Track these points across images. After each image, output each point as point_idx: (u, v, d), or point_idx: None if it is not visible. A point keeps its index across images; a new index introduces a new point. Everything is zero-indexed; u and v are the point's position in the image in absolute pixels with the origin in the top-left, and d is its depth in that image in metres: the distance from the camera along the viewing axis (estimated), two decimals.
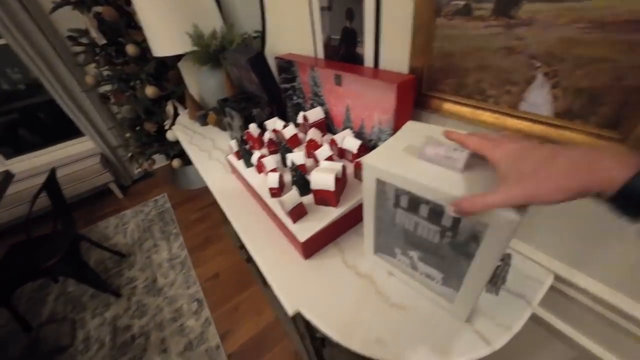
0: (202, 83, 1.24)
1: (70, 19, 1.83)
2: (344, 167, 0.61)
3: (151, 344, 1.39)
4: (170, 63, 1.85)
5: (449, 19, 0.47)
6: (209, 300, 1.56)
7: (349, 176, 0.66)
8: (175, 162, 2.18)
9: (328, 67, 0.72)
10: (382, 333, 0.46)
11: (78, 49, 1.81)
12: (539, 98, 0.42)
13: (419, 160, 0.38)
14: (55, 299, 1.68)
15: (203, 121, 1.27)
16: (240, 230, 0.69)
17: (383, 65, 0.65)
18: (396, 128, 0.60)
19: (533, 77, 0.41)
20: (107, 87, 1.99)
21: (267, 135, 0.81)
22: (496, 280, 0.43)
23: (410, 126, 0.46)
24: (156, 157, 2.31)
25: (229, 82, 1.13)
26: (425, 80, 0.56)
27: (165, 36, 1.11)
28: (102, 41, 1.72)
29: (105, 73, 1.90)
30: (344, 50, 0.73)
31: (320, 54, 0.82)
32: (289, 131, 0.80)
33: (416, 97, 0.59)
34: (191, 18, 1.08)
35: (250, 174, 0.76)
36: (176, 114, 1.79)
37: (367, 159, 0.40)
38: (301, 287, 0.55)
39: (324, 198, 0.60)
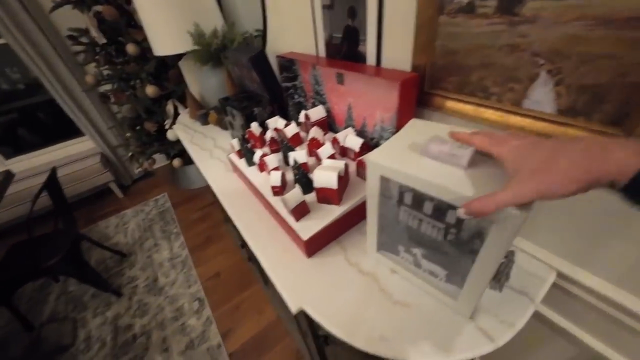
0: (203, 82, 1.24)
1: (70, 18, 1.83)
2: (346, 165, 0.61)
3: (152, 343, 1.39)
4: (170, 62, 1.85)
5: (452, 16, 0.47)
6: (210, 299, 1.56)
7: (351, 174, 0.67)
8: (176, 162, 2.18)
9: (330, 66, 0.72)
10: (386, 330, 0.46)
11: (78, 48, 1.80)
12: (542, 95, 0.42)
13: (423, 157, 0.38)
14: (57, 298, 1.68)
15: (204, 120, 1.27)
16: (242, 229, 0.70)
17: (385, 63, 0.65)
18: (399, 126, 0.60)
19: (536, 74, 0.41)
20: (107, 87, 1.99)
21: (269, 134, 0.81)
22: (500, 277, 0.44)
23: (413, 124, 0.46)
24: (156, 156, 2.31)
25: (230, 81, 1.13)
26: (428, 78, 0.56)
27: (166, 35, 1.10)
28: (102, 40, 1.72)
29: (106, 72, 1.90)
30: (345, 49, 0.73)
31: (322, 53, 0.82)
32: (291, 130, 0.80)
33: (419, 95, 0.59)
34: (192, 17, 1.07)
35: (252, 172, 0.76)
36: (176, 114, 1.79)
37: (371, 156, 0.40)
38: (304, 285, 0.55)
39: (326, 196, 0.60)
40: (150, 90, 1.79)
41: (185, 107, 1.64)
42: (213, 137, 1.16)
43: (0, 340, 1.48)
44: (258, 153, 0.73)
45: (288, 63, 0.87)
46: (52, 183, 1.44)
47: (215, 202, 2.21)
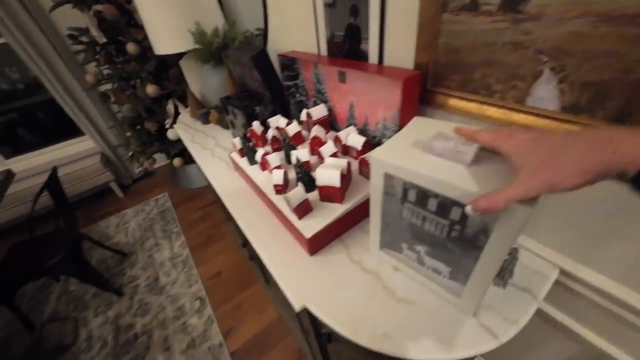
0: (204, 81, 1.24)
1: (70, 18, 1.82)
2: (348, 164, 0.61)
3: (154, 342, 1.39)
4: (171, 61, 1.85)
5: (455, 14, 0.47)
6: (211, 298, 1.56)
7: (353, 173, 0.67)
8: (176, 161, 2.18)
9: (332, 64, 0.72)
10: (389, 328, 0.46)
11: (78, 47, 1.80)
12: (545, 93, 0.42)
13: (427, 154, 0.38)
14: (58, 298, 1.68)
15: (205, 119, 1.27)
16: (244, 227, 0.70)
17: (388, 61, 0.65)
18: (401, 124, 0.60)
19: (540, 71, 0.41)
20: (107, 86, 1.99)
21: (271, 133, 0.81)
22: (504, 274, 0.44)
23: (416, 122, 0.46)
24: (157, 156, 2.31)
25: (231, 80, 1.13)
26: (431, 76, 0.56)
27: (166, 34, 1.10)
28: (103, 40, 1.71)
29: (106, 72, 1.90)
30: (347, 47, 0.73)
31: (324, 51, 0.82)
32: (293, 128, 0.80)
33: (421, 93, 0.59)
34: (193, 16, 1.07)
35: (254, 171, 0.76)
36: (177, 113, 1.79)
37: (375, 153, 0.41)
38: (307, 283, 0.55)
39: (329, 194, 0.60)
40: (151, 89, 1.79)
41: (186, 106, 1.64)
42: (214, 136, 1.16)
43: (2, 340, 1.48)
44: (260, 152, 0.73)
45: (289, 62, 0.87)
46: (53, 182, 1.43)
47: (215, 202, 2.21)
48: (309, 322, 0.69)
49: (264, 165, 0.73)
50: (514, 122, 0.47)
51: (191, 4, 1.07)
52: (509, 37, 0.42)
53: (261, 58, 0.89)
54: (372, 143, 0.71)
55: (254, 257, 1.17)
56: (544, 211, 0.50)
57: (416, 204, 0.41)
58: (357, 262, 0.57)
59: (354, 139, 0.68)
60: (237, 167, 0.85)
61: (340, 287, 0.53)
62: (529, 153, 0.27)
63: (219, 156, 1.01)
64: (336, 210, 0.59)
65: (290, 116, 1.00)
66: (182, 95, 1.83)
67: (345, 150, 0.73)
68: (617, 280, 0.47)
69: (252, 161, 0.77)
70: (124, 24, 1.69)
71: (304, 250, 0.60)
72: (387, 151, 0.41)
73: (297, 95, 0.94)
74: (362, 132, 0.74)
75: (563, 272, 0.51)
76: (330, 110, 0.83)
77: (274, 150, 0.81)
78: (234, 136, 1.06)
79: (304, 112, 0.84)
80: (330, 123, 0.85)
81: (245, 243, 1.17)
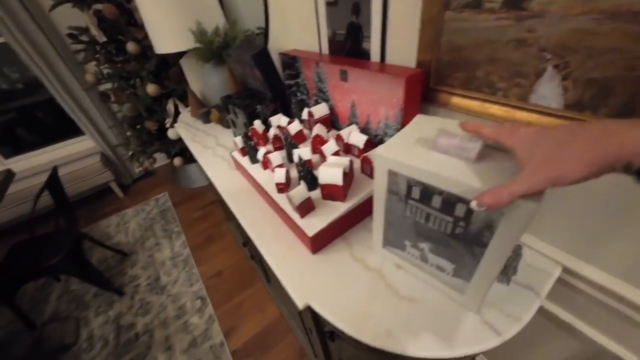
0: (204, 80, 1.24)
1: (70, 17, 1.82)
2: (351, 162, 0.61)
3: (155, 341, 1.39)
4: (171, 60, 1.84)
5: (459, 12, 0.47)
6: (212, 297, 1.56)
7: (355, 171, 0.67)
8: (177, 161, 2.18)
9: (333, 63, 0.72)
10: (392, 325, 0.46)
11: (78, 46, 1.79)
12: (548, 90, 0.42)
13: (431, 151, 0.38)
14: (58, 297, 1.68)
15: (205, 119, 1.27)
16: (246, 226, 0.70)
17: (390, 60, 0.65)
18: (404, 123, 0.60)
19: (543, 69, 0.41)
20: (107, 85, 1.99)
21: (272, 132, 0.81)
22: (508, 270, 0.44)
23: (419, 120, 0.46)
24: (157, 155, 2.30)
25: (232, 79, 1.12)
26: (433, 74, 0.56)
27: (167, 33, 1.10)
28: (103, 39, 1.71)
29: (106, 71, 1.89)
30: (349, 46, 0.73)
31: (325, 50, 0.82)
32: (295, 127, 0.80)
33: (424, 92, 0.59)
34: (193, 15, 1.07)
35: (255, 170, 0.76)
36: (177, 112, 1.79)
37: (379, 151, 0.41)
38: (310, 281, 0.55)
39: (331, 193, 0.60)
40: (151, 88, 1.78)
41: (186, 105, 1.64)
42: (215, 135, 1.16)
43: (3, 340, 1.48)
44: (262, 150, 0.73)
45: (291, 60, 0.87)
46: (53, 182, 1.43)
47: (215, 201, 2.21)
48: (312, 320, 0.69)
49: (266, 164, 0.73)
50: (517, 120, 0.47)
51: (192, 3, 1.07)
52: (513, 34, 0.42)
53: (262, 57, 0.89)
54: (374, 141, 0.71)
55: (254, 256, 1.17)
56: (547, 210, 0.50)
57: (420, 201, 0.41)
58: (360, 260, 0.57)
59: (356, 138, 0.68)
60: (239, 166, 0.85)
61: (343, 285, 0.53)
62: (533, 147, 0.27)
63: (220, 155, 1.01)
64: (339, 208, 0.59)
65: (291, 115, 1.00)
66: (183, 94, 1.83)
67: (347, 148, 0.73)
68: (619, 277, 0.47)
69: (254, 160, 0.77)
70: (124, 23, 1.69)
71: (306, 249, 0.60)
72: (391, 148, 0.41)
73: (299, 94, 0.94)
74: (363, 130, 0.74)
75: (566, 270, 0.51)
76: (331, 108, 0.83)
77: (276, 149, 0.81)
78: (235, 135, 1.06)
79: (306, 110, 0.84)
80: (332, 122, 0.85)
81: (246, 242, 1.17)
